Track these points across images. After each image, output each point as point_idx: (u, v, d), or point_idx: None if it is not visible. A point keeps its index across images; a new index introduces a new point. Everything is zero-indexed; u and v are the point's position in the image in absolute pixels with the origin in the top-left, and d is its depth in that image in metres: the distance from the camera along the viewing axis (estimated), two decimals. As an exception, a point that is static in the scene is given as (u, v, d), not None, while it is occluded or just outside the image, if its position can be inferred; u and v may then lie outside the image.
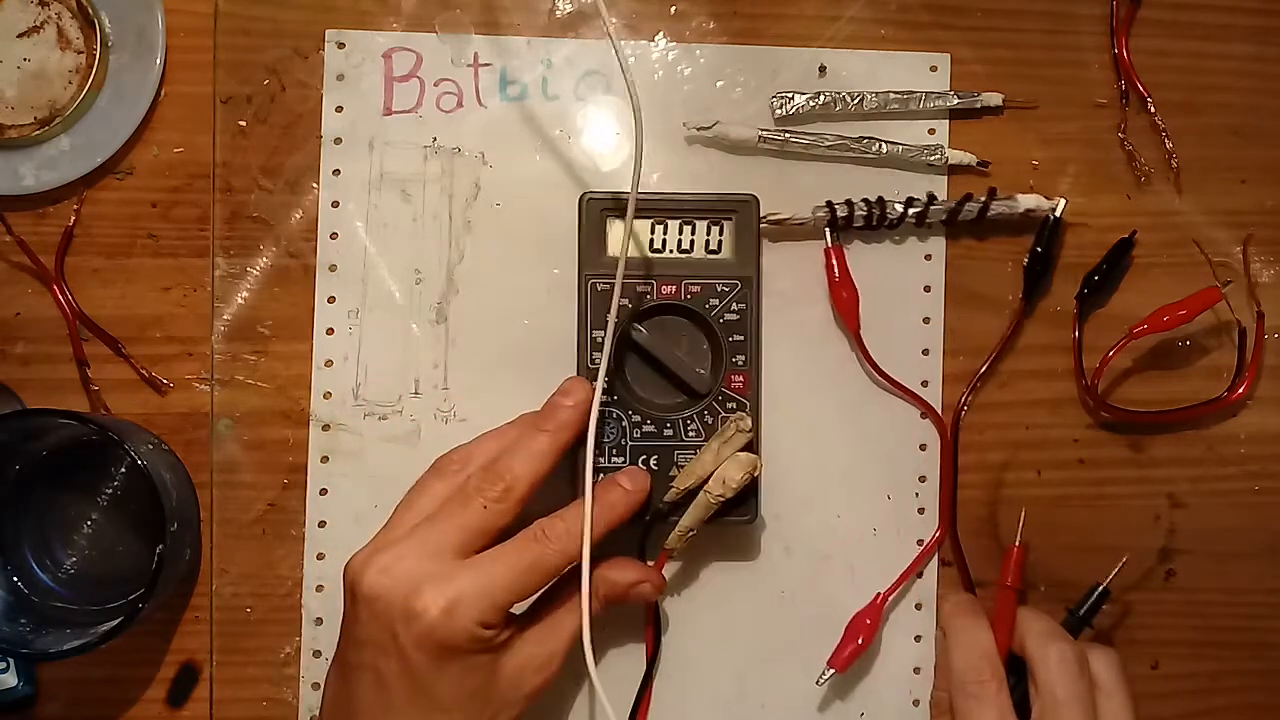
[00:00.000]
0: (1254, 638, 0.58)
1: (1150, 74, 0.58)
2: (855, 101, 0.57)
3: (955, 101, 0.57)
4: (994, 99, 0.57)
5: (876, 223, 0.56)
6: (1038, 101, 0.58)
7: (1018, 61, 0.58)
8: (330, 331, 0.56)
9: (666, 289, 0.54)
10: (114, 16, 0.56)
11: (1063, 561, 0.58)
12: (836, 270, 0.56)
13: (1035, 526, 0.57)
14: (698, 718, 0.57)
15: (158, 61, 0.56)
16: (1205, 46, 0.59)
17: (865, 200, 0.56)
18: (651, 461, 0.54)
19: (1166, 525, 0.58)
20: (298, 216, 0.57)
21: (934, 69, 0.58)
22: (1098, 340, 0.57)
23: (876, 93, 0.57)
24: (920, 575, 0.57)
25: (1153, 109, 0.58)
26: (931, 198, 0.57)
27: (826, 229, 0.56)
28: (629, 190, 0.52)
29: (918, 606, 0.57)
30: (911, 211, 0.56)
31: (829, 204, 0.56)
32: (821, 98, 0.57)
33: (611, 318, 0.52)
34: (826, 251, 0.56)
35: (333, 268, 0.57)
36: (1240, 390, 0.57)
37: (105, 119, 0.56)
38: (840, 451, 0.57)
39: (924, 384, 0.57)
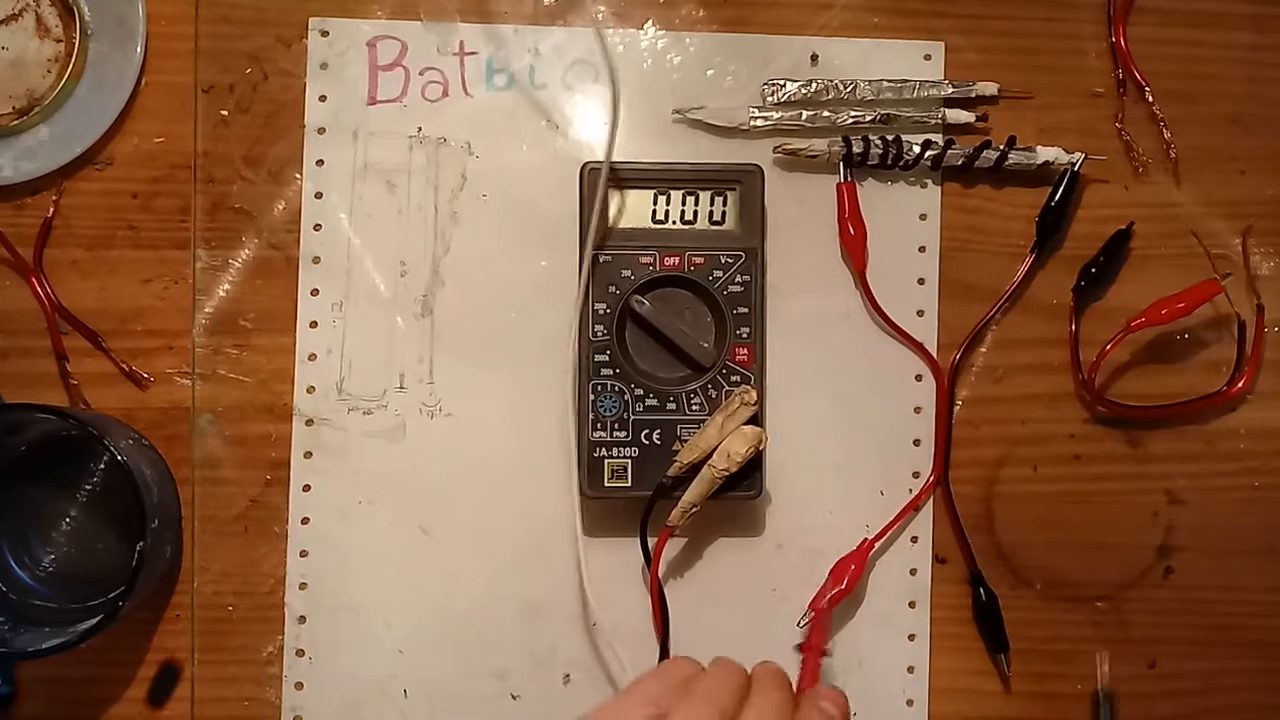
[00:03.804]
0: (1253, 636, 0.58)
1: (1148, 62, 0.57)
2: (848, 90, 0.56)
3: (950, 91, 0.57)
4: (989, 88, 0.57)
5: (891, 161, 0.56)
6: (1034, 91, 0.57)
7: (1013, 50, 0.58)
8: (313, 324, 0.56)
9: (669, 260, 0.54)
10: (94, 4, 0.55)
11: (1059, 559, 0.57)
12: (847, 206, 0.56)
13: (1031, 523, 0.56)
14: (688, 717, 0.56)
15: (138, 50, 0.55)
16: (1204, 35, 0.58)
17: (882, 138, 0.56)
18: (654, 436, 0.53)
19: (1165, 522, 0.58)
20: (280, 208, 0.56)
21: (928, 58, 0.57)
22: (1095, 334, 0.57)
23: (870, 81, 0.56)
24: (914, 573, 0.57)
25: (1150, 98, 0.57)
26: (949, 141, 0.56)
27: (840, 164, 0.56)
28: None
29: (911, 605, 0.56)
30: (928, 154, 0.56)
31: (845, 139, 0.56)
32: (813, 86, 0.56)
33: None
34: (839, 187, 0.56)
35: (316, 260, 0.56)
36: (1240, 385, 0.57)
37: (85, 108, 0.55)
38: (833, 447, 0.57)
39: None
